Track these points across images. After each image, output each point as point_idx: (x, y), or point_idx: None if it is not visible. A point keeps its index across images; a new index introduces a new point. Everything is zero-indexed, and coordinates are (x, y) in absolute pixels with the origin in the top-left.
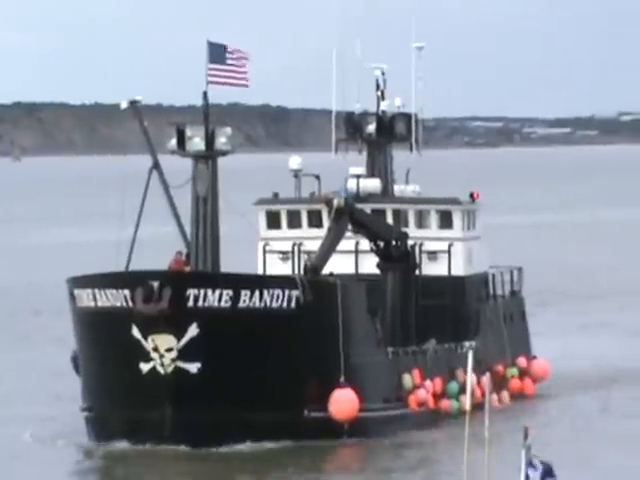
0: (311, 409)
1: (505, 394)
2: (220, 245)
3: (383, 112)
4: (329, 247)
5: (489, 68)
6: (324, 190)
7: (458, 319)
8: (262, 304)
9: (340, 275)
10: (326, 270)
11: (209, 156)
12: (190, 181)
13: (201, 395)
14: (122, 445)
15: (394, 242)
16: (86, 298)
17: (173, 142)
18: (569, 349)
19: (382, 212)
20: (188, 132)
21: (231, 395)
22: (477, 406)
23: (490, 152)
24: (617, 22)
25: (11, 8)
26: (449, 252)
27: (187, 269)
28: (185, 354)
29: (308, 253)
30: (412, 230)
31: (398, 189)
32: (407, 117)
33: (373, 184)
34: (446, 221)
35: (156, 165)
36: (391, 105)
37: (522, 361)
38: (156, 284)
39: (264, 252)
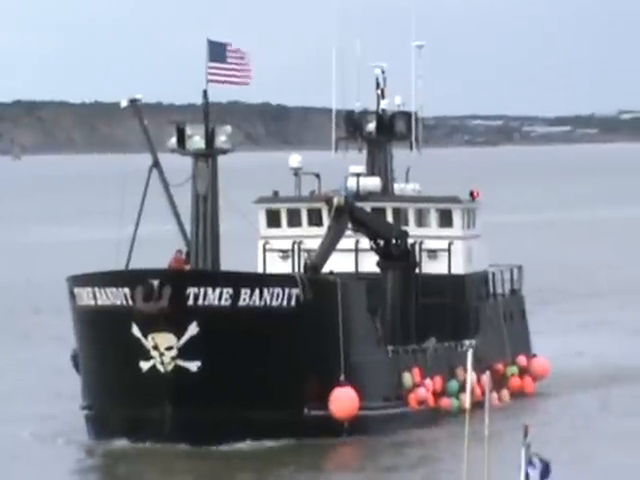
0: (311, 407)
1: (505, 392)
2: (220, 243)
3: (383, 110)
4: (329, 246)
5: (489, 67)
6: (324, 188)
7: (458, 317)
8: (262, 302)
9: (340, 274)
10: (326, 269)
11: (209, 154)
12: (190, 179)
13: (201, 393)
14: (122, 443)
15: (394, 241)
16: (86, 296)
17: (173, 140)
18: (569, 347)
19: (382, 211)
20: (188, 130)
21: (231, 393)
22: (477, 404)
23: (490, 151)
24: (617, 21)
25: (11, 7)
26: (449, 251)
27: (187, 267)
28: (185, 352)
29: (308, 251)
30: (412, 229)
31: (398, 188)
32: (407, 115)
33: (373, 182)
34: (446, 220)
35: (156, 163)
36: (391, 103)
37: (522, 359)
38: (156, 283)
39: (264, 250)
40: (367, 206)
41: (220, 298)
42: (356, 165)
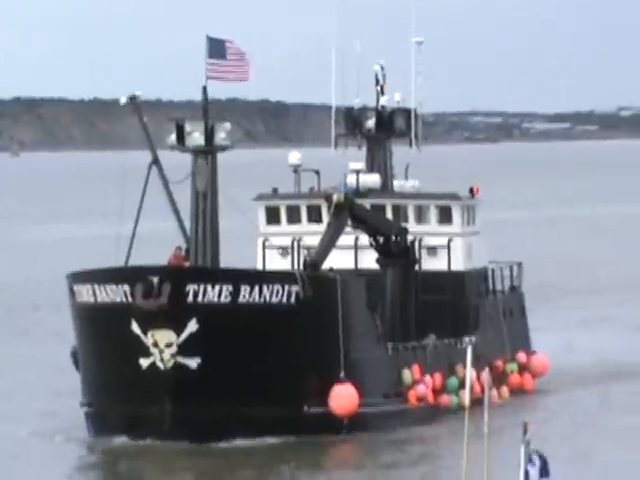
0: (311, 404)
1: (505, 389)
2: (219, 240)
3: (382, 107)
4: (329, 242)
5: (489, 63)
6: (324, 185)
7: (458, 314)
8: (262, 299)
9: (340, 270)
10: (326, 265)
11: (208, 151)
12: (189, 176)
13: (201, 390)
14: (122, 440)
15: (394, 237)
16: (86, 293)
17: (172, 137)
18: (569, 344)
19: (382, 207)
20: (187, 127)
21: (231, 390)
22: (477, 401)
23: (490, 147)
24: (617, 17)
25: (11, 7)
26: (449, 247)
27: (187, 264)
28: (185, 349)
29: (308, 248)
30: (412, 225)
31: (398, 184)
32: (406, 112)
33: (373, 179)
34: (446, 216)
35: (155, 160)
36: (390, 100)
37: (522, 356)
38: (156, 279)
39: (264, 247)
40: (367, 203)
41: (220, 295)
42: (356, 162)
